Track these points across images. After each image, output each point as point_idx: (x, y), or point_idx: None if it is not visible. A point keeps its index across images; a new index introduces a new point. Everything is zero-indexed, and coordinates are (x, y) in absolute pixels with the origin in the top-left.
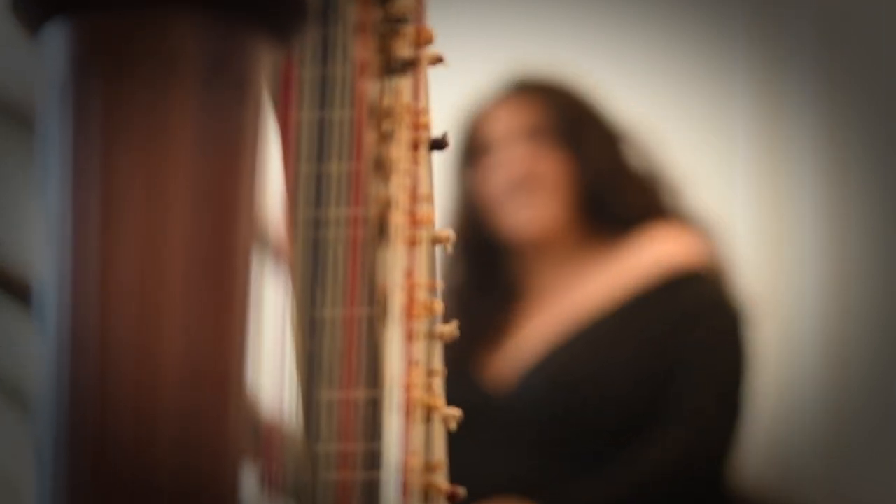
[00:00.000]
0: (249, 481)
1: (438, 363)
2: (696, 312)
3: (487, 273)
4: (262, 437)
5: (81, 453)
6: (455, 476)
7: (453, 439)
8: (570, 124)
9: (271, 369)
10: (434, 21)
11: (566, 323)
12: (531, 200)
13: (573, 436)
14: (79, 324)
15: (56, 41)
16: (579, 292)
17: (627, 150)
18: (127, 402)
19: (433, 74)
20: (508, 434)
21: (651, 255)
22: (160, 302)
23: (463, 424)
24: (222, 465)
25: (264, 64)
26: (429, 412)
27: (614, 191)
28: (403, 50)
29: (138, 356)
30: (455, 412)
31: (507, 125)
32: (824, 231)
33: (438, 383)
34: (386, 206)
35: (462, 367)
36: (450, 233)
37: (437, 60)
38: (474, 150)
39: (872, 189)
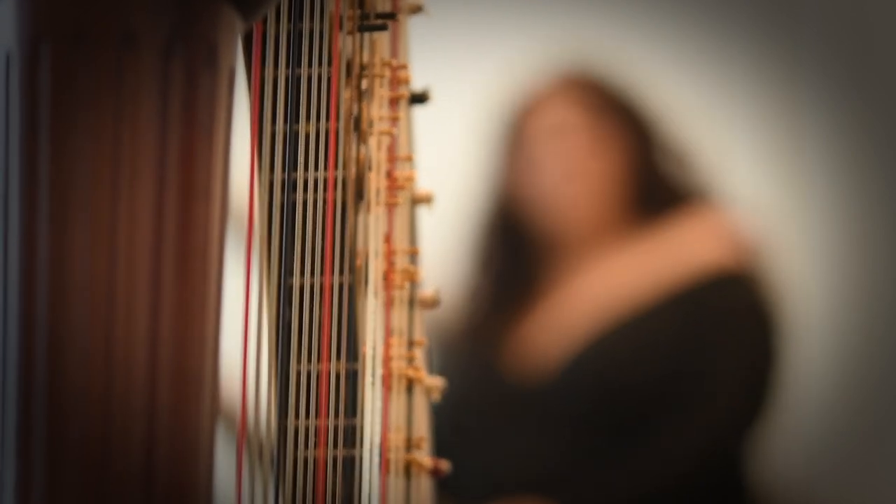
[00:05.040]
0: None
1: (420, 333)
2: (729, 320)
3: (517, 255)
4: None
5: (32, 455)
6: (477, 462)
7: (479, 424)
8: (619, 114)
9: (243, 345)
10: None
11: (603, 315)
12: (578, 196)
13: (597, 428)
14: (27, 317)
15: (5, 18)
16: (616, 279)
17: (661, 137)
18: (81, 403)
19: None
20: (533, 421)
21: (690, 250)
22: (119, 294)
23: (486, 409)
24: (193, 464)
25: (230, 31)
26: (410, 385)
27: (658, 175)
28: (381, 1)
29: (93, 352)
30: (438, 383)
31: (558, 117)
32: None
33: (420, 354)
34: (363, 168)
35: (486, 349)
36: (431, 192)
37: (416, 10)
38: (519, 139)
39: None
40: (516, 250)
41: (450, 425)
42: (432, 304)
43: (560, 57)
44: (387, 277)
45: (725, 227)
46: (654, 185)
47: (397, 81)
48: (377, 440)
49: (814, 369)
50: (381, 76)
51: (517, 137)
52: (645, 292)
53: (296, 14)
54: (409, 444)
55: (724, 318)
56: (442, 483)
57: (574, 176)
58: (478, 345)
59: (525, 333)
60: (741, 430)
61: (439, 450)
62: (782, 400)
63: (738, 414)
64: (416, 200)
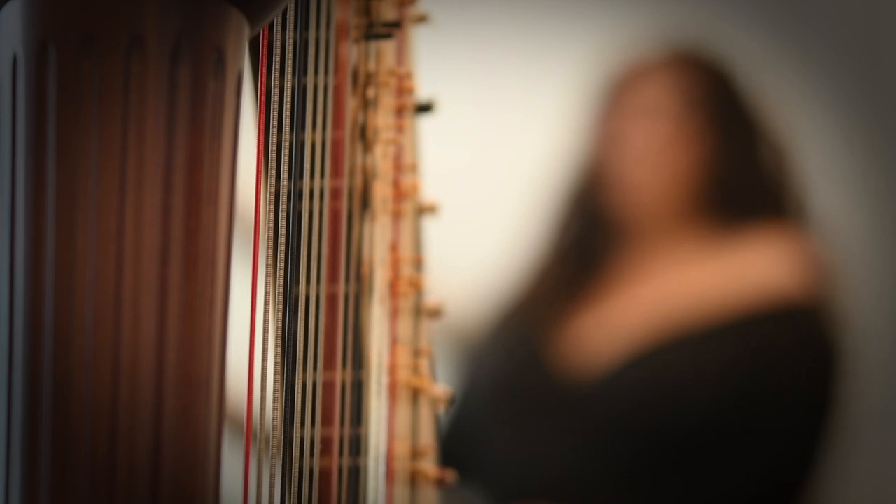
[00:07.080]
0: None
1: (425, 342)
2: (791, 354)
3: (581, 241)
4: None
5: (38, 459)
6: (503, 460)
7: (514, 417)
8: (719, 107)
9: (249, 353)
10: None
11: (663, 324)
12: (650, 183)
13: (635, 439)
14: (34, 320)
15: (12, 21)
16: (683, 289)
17: (762, 142)
18: (87, 406)
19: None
20: (570, 422)
21: (765, 272)
22: (126, 297)
23: (524, 402)
24: (200, 468)
25: (237, 35)
26: (415, 394)
27: (741, 184)
28: (387, 10)
29: (100, 355)
30: (444, 393)
31: (656, 95)
32: None
33: (425, 363)
34: (369, 177)
35: (538, 336)
36: (435, 202)
37: (422, 19)
38: (613, 109)
39: None
40: (590, 234)
41: (486, 413)
42: (436, 314)
43: (669, 34)
44: (392, 286)
45: (805, 253)
46: (746, 186)
47: (402, 90)
48: (382, 449)
49: (872, 416)
50: (387, 85)
51: (608, 109)
52: (710, 308)
53: (302, 23)
54: (415, 454)
55: (787, 352)
56: (462, 482)
57: (649, 161)
58: (529, 330)
59: (581, 327)
60: (786, 471)
61: (471, 441)
62: (835, 447)
63: (786, 454)
64: (422, 209)
